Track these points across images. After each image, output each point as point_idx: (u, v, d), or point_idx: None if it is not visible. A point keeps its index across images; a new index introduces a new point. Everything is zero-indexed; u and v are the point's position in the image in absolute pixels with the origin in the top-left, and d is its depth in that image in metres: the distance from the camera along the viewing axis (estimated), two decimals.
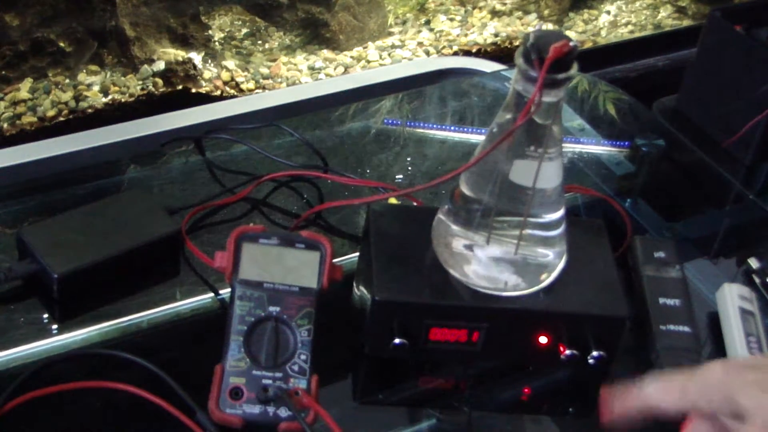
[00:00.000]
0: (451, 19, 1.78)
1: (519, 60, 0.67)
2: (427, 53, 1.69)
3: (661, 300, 0.82)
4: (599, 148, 1.05)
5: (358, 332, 0.77)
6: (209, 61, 1.57)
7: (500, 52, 1.69)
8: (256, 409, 0.69)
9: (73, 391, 0.72)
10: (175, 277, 0.84)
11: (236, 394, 0.70)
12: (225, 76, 1.55)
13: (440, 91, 1.14)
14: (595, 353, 0.75)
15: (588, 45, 1.76)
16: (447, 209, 0.75)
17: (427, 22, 1.77)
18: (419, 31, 1.74)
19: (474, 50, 1.70)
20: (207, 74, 1.54)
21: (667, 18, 1.85)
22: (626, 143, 1.06)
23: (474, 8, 1.81)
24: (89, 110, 1.43)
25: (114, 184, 0.93)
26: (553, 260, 0.75)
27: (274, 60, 1.61)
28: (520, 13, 1.81)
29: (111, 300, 0.80)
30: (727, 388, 0.58)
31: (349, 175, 0.94)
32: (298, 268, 0.75)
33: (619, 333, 0.76)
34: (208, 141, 0.97)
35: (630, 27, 1.83)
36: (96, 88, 1.46)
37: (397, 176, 0.97)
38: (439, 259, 0.76)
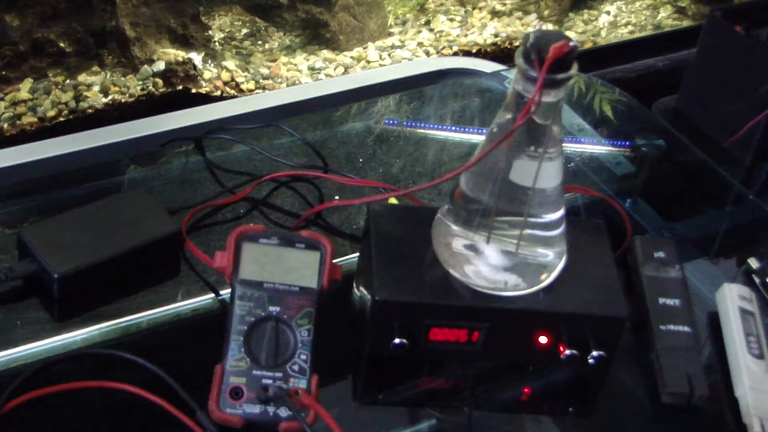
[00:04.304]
0: (451, 20, 1.78)
1: (519, 60, 0.67)
2: (427, 54, 1.69)
3: (661, 300, 0.82)
4: (599, 148, 1.05)
5: (358, 332, 0.77)
6: (209, 61, 1.57)
7: (500, 53, 1.69)
8: (256, 409, 0.69)
9: (73, 391, 0.72)
10: (175, 277, 0.84)
11: (236, 393, 0.70)
12: (225, 76, 1.55)
13: (440, 92, 1.14)
14: (594, 353, 0.75)
15: (588, 45, 1.76)
16: (447, 209, 0.75)
17: (427, 23, 1.77)
18: (419, 32, 1.74)
19: (474, 50, 1.70)
20: (207, 74, 1.54)
21: (667, 18, 1.85)
22: (626, 143, 1.06)
23: (474, 8, 1.81)
24: (89, 110, 1.43)
25: (114, 184, 0.93)
26: (553, 260, 0.75)
27: (274, 60, 1.61)
28: (520, 14, 1.81)
29: (111, 300, 0.80)
30: None
31: (349, 175, 0.94)
32: (298, 268, 0.75)
33: (618, 333, 0.76)
34: (208, 141, 0.97)
35: (630, 27, 1.83)
36: (96, 88, 1.46)
37: (397, 176, 0.97)
38: (439, 259, 0.76)
